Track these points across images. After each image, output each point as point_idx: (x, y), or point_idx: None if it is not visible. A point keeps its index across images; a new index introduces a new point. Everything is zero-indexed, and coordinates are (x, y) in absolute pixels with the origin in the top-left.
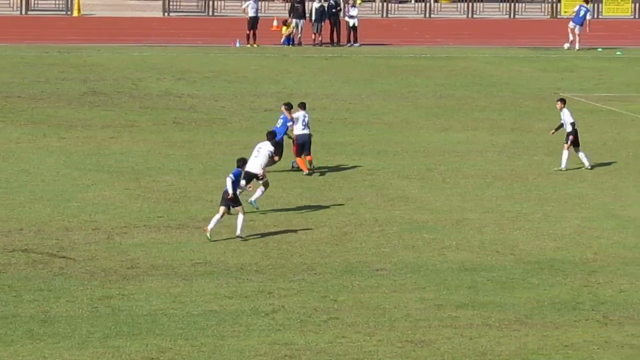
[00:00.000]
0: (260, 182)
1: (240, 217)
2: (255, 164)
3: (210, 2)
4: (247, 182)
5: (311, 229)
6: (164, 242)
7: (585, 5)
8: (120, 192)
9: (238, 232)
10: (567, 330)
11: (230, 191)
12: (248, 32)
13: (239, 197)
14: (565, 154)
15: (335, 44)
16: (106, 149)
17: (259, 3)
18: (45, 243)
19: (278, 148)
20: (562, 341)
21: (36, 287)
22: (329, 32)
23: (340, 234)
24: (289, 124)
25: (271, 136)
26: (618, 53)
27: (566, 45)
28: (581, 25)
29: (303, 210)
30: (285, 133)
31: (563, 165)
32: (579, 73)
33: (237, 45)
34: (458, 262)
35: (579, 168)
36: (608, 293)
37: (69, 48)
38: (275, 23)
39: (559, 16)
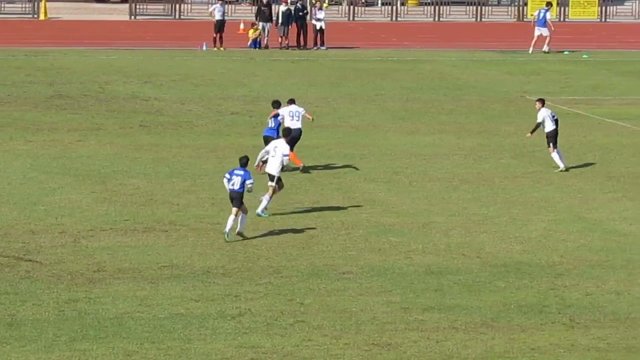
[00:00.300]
0: (275, 184)
1: (243, 216)
2: (273, 165)
3: (177, 6)
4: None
5: (278, 232)
6: (130, 245)
7: (544, 7)
8: (87, 196)
9: (240, 228)
10: (534, 333)
11: (227, 186)
12: (215, 35)
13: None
14: (554, 155)
15: (302, 47)
16: (73, 152)
17: (226, 6)
18: (11, 246)
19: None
20: (529, 344)
21: (2, 291)
22: (295, 35)
23: (307, 237)
24: (280, 118)
25: (287, 132)
26: (584, 56)
27: (530, 50)
28: (544, 26)
29: (269, 214)
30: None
31: (561, 165)
32: (545, 76)
33: (204, 48)
34: (424, 265)
35: (543, 172)
36: (574, 296)
37: (36, 51)
38: (242, 26)
39: (525, 19)
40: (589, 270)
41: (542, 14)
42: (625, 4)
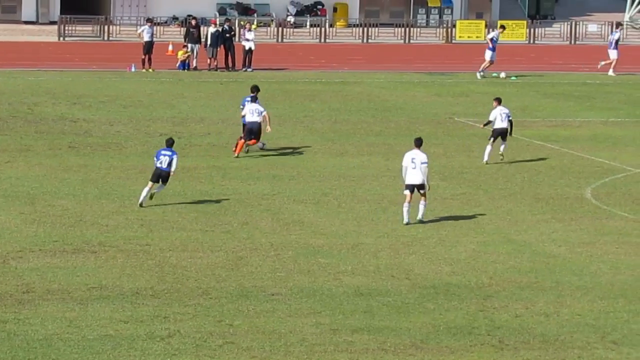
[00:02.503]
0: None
1: None
2: (416, 176)
3: (106, 27)
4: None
5: (207, 254)
6: (59, 266)
7: (496, 30)
8: (16, 217)
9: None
10: (463, 355)
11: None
12: (143, 56)
13: None
14: (488, 147)
15: (230, 69)
16: (1, 174)
17: (155, 28)
18: None
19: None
20: None
21: None
22: (223, 56)
23: (236, 258)
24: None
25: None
26: (513, 78)
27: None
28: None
29: (198, 235)
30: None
31: (485, 158)
32: (473, 98)
33: (133, 69)
34: (353, 287)
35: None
36: (503, 318)
37: None
38: (170, 48)
39: (453, 41)
40: (518, 291)
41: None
42: (554, 25)
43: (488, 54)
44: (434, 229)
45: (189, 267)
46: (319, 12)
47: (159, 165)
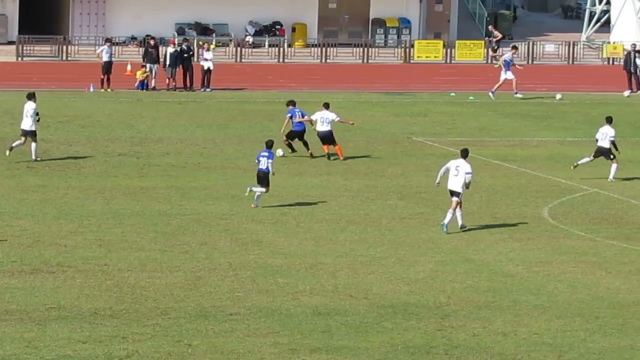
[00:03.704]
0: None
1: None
2: (457, 183)
3: (64, 47)
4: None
5: (165, 274)
6: (17, 287)
7: (509, 52)
8: None
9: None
10: None
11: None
12: (102, 76)
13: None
14: (586, 159)
15: (188, 89)
16: None
17: (113, 48)
18: None
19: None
20: None
21: None
22: (182, 76)
23: (194, 278)
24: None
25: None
26: (471, 98)
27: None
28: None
29: (157, 255)
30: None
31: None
32: (431, 117)
33: (91, 89)
34: (312, 307)
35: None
36: (461, 337)
37: None
38: (129, 67)
39: (412, 61)
40: (475, 311)
41: (505, 56)
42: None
43: (505, 75)
44: (392, 248)
45: (148, 287)
46: (277, 32)
47: (260, 167)
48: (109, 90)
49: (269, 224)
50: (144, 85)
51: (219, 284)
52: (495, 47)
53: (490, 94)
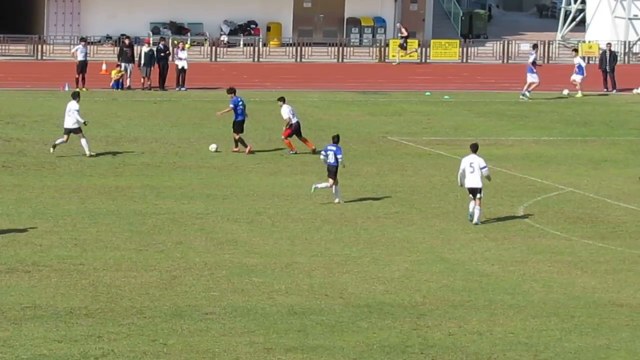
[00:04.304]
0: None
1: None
2: (475, 179)
3: (39, 46)
4: None
5: (140, 273)
6: None
7: (533, 52)
8: None
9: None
10: None
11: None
12: (77, 76)
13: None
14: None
15: (164, 88)
16: None
17: (88, 47)
18: None
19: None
20: None
21: None
22: (157, 76)
23: (170, 277)
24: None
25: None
26: (446, 97)
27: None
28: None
29: (132, 254)
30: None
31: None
32: (406, 117)
33: (66, 89)
34: (287, 306)
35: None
36: (437, 336)
37: None
38: (104, 67)
39: (387, 60)
40: (451, 310)
41: (531, 59)
42: (487, 44)
43: (531, 77)
44: (367, 248)
45: (123, 286)
46: (252, 32)
47: (329, 161)
48: (84, 89)
49: (244, 223)
50: (119, 84)
51: (195, 283)
52: (404, 45)
53: (524, 95)
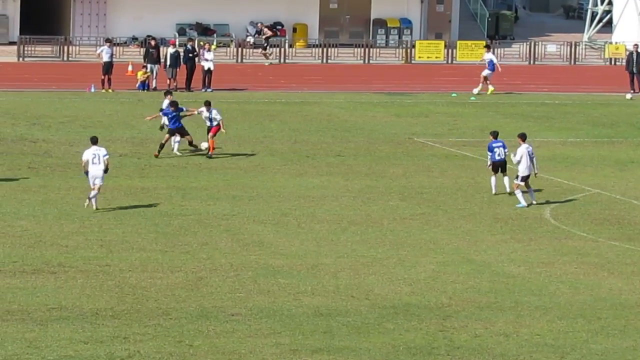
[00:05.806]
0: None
1: None
2: (523, 167)
3: (65, 48)
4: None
5: (166, 274)
6: (18, 287)
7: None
8: None
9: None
10: None
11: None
12: (103, 77)
13: None
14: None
15: (190, 90)
16: None
17: (114, 48)
18: None
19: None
20: None
21: None
22: (184, 77)
23: (195, 278)
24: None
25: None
26: (472, 98)
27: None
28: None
29: (158, 255)
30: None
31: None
32: (433, 118)
33: (92, 90)
34: (313, 307)
35: (426, 214)
36: (463, 338)
37: None
38: (130, 68)
39: (413, 61)
40: (477, 312)
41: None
42: (513, 46)
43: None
44: (393, 249)
45: (149, 287)
46: (278, 33)
47: (496, 157)
48: (109, 90)
49: (270, 224)
50: (144, 85)
51: (220, 285)
52: (265, 45)
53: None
